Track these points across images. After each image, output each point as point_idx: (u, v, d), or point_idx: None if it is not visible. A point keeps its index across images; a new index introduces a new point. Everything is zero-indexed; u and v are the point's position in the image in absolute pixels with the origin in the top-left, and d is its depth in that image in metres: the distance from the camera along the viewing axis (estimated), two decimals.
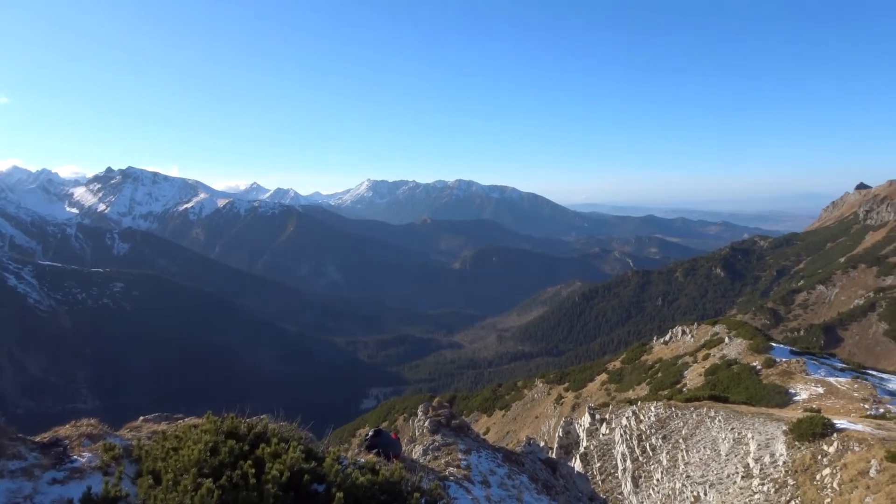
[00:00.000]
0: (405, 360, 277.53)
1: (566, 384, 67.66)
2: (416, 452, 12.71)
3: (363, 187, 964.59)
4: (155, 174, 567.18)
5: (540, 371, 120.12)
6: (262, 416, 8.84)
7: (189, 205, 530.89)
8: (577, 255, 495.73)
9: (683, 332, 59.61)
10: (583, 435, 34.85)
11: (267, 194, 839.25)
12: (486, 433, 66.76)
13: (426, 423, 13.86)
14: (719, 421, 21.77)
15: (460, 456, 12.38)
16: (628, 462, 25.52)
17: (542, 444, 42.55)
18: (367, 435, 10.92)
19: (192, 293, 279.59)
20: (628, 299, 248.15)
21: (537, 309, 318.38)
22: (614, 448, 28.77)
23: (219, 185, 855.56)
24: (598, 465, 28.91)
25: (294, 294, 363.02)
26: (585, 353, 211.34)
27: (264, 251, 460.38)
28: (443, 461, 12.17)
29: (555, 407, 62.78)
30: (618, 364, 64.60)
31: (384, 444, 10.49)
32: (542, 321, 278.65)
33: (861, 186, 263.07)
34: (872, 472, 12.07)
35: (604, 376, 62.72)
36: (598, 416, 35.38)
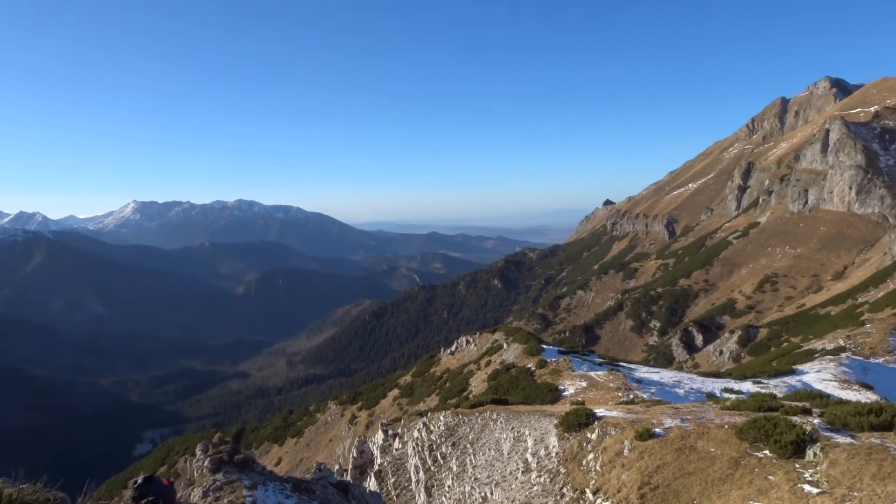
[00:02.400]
0: (184, 396, 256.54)
1: (359, 403, 67.47)
2: (196, 495, 11.58)
3: (129, 209, 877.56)
4: None
5: (333, 393, 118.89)
6: None
7: None
8: (365, 273, 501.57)
9: (467, 342, 62.98)
10: (377, 452, 34.93)
11: (6, 219, 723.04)
12: (277, 464, 63.97)
13: (206, 462, 12.72)
14: (501, 422, 23.19)
15: (245, 493, 11.55)
16: (421, 473, 26.05)
17: (336, 466, 41.86)
18: (135, 484, 9.68)
19: None
20: (416, 314, 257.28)
21: (328, 330, 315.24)
22: (408, 461, 29.22)
23: None
24: (393, 480, 29.12)
25: (45, 333, 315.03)
26: (378, 370, 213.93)
27: (5, 285, 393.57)
28: (226, 500, 11.25)
29: (349, 427, 62.22)
30: (408, 378, 66.01)
31: (155, 492, 9.35)
32: (333, 342, 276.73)
33: (607, 202, 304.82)
34: (626, 452, 13.69)
35: (396, 391, 63.67)
36: (390, 432, 35.74)
